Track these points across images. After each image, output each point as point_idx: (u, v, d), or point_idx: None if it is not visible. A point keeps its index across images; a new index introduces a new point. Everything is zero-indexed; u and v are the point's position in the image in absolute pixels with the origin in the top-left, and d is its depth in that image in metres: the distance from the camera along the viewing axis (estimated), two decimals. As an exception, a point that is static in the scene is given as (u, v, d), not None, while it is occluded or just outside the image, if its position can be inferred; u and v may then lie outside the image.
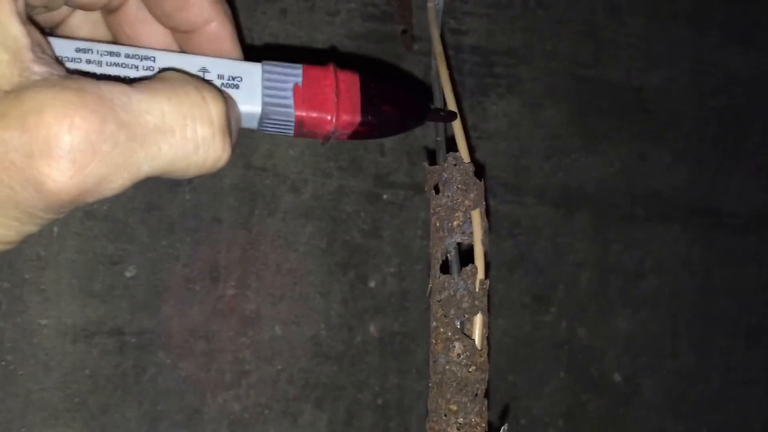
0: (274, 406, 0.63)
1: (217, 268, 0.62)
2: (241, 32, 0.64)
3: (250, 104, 0.32)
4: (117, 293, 0.60)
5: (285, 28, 0.65)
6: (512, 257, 0.71)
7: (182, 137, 0.26)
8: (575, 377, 0.72)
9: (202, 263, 0.62)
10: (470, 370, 0.41)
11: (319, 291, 0.65)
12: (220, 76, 0.32)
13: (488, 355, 0.41)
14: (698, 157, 0.77)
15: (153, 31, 0.35)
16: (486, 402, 0.41)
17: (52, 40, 0.29)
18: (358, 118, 0.33)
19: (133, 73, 0.30)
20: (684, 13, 0.78)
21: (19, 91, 0.24)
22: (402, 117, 0.36)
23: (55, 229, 0.59)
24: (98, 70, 0.30)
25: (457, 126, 0.44)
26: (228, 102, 0.29)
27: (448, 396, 0.41)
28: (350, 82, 0.33)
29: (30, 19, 0.27)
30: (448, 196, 0.43)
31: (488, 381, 0.41)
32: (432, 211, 0.44)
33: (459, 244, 0.44)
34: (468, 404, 0.41)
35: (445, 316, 0.43)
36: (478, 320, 0.43)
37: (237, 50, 0.35)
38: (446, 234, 0.44)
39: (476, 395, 0.41)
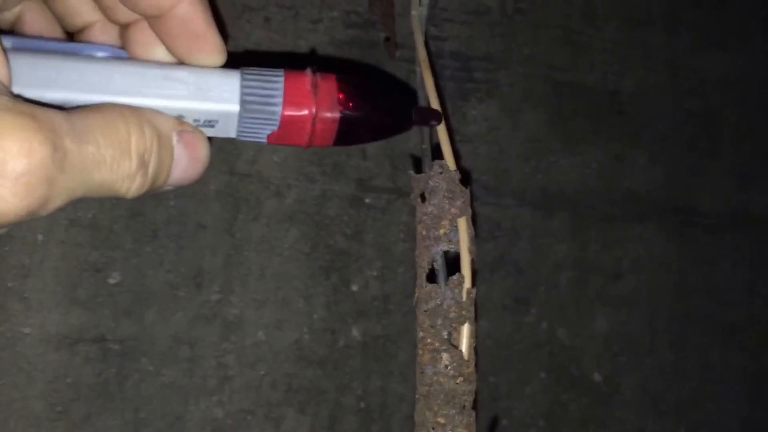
0: (257, 411, 0.61)
1: (201, 273, 0.60)
2: (226, 40, 0.62)
3: (228, 107, 0.31)
4: (100, 300, 0.58)
5: (269, 36, 0.63)
6: (493, 259, 0.69)
7: (110, 168, 0.27)
8: (556, 377, 0.71)
9: (186, 269, 0.60)
10: (458, 381, 0.39)
11: (302, 295, 0.63)
12: (192, 86, 0.31)
13: (476, 365, 0.40)
14: (673, 157, 0.76)
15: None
16: (474, 414, 0.39)
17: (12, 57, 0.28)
18: (337, 115, 0.32)
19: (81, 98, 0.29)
20: (657, 17, 0.76)
21: None
22: (385, 116, 0.34)
23: (39, 237, 0.57)
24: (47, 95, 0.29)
25: (442, 133, 0.42)
26: (158, 138, 0.29)
27: (436, 408, 0.39)
28: (328, 81, 0.32)
29: None
30: (434, 205, 0.41)
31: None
32: (418, 219, 0.42)
33: (445, 252, 0.42)
34: (456, 417, 0.39)
35: (431, 326, 0.41)
36: (466, 330, 0.41)
37: (211, 31, 0.33)
38: (432, 242, 0.42)
39: (464, 407, 0.39)
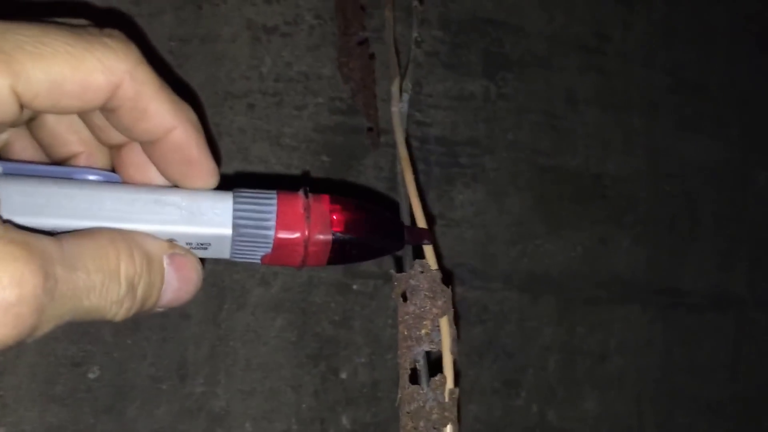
0: None
1: (184, 365, 0.57)
2: (209, 128, 0.60)
3: (220, 230, 0.30)
4: (80, 396, 0.54)
5: (253, 123, 0.61)
6: (481, 343, 0.66)
7: (100, 295, 0.27)
8: (549, 468, 0.67)
9: (169, 361, 0.56)
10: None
11: (290, 384, 0.60)
12: (185, 210, 0.30)
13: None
14: (655, 240, 0.75)
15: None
16: None
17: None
18: (329, 237, 0.31)
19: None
20: (636, 103, 0.76)
21: None
22: (377, 238, 0.34)
23: (16, 330, 0.53)
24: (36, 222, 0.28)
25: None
26: (148, 262, 0.29)
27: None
28: (320, 203, 0.32)
29: None
30: (416, 304, 0.40)
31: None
32: (399, 319, 0.40)
33: (428, 352, 0.40)
34: None
35: (415, 428, 0.38)
36: (449, 431, 0.38)
37: (205, 157, 0.32)
38: (414, 343, 0.40)
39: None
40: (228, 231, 0.30)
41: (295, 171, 0.62)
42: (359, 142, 0.64)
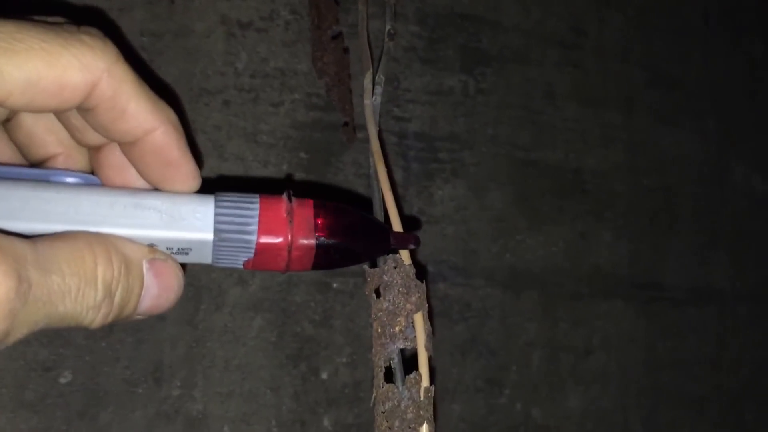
0: None
1: (160, 368, 0.54)
2: (189, 129, 0.58)
3: (202, 235, 0.29)
4: (51, 402, 0.51)
5: (228, 120, 0.59)
6: (464, 341, 0.64)
7: (75, 299, 0.25)
8: (535, 465, 0.65)
9: (144, 364, 0.54)
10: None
11: (270, 386, 0.57)
12: (165, 214, 0.29)
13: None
14: (636, 234, 0.73)
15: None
16: None
17: None
18: (313, 242, 0.30)
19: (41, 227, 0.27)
20: (613, 98, 0.74)
21: None
22: (362, 242, 0.32)
23: (-16, 334, 0.50)
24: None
25: (397, 228, 0.38)
26: (126, 267, 0.27)
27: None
28: (304, 208, 0.31)
29: None
30: (389, 301, 0.38)
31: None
32: (372, 316, 0.38)
33: (403, 350, 0.38)
34: None
35: (389, 428, 0.36)
36: (425, 430, 0.36)
37: (185, 159, 0.30)
38: (388, 340, 0.38)
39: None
40: (209, 236, 0.29)
41: (273, 168, 0.60)
42: (337, 139, 0.62)
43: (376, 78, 0.51)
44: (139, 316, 0.30)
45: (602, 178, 0.72)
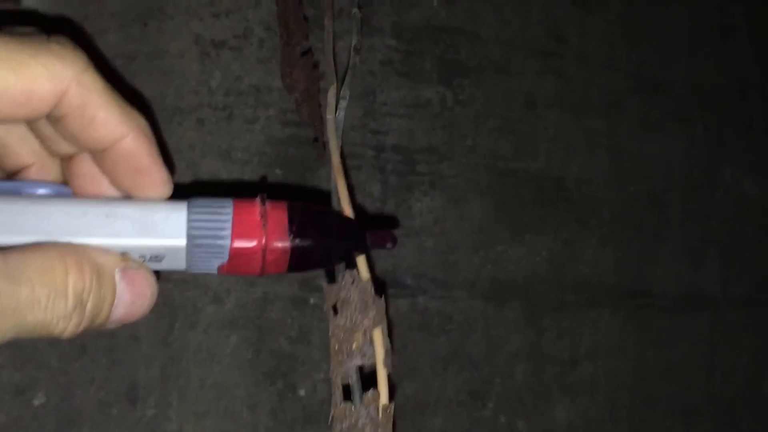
0: None
1: (135, 388, 0.53)
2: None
3: (174, 242, 0.29)
4: (25, 424, 0.51)
5: (203, 138, 0.58)
6: (446, 354, 0.63)
7: (45, 310, 0.25)
8: (514, 481, 0.63)
9: (118, 384, 0.53)
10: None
11: (246, 404, 0.56)
12: (137, 222, 0.28)
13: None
14: (622, 241, 0.71)
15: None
16: None
17: None
18: (287, 245, 0.30)
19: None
20: (596, 103, 0.73)
21: None
22: (337, 243, 0.32)
23: (-39, 356, 0.50)
24: None
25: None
26: (98, 276, 0.27)
27: None
28: (278, 210, 0.30)
29: None
30: (347, 317, 0.36)
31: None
32: (330, 333, 0.37)
33: (361, 367, 0.37)
34: None
35: None
36: None
37: (156, 165, 0.30)
38: (346, 357, 0.36)
39: None
40: (182, 242, 0.29)
41: (248, 185, 0.59)
42: (312, 154, 0.61)
43: (341, 92, 0.50)
44: (111, 326, 0.29)
45: (586, 185, 0.71)
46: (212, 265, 0.30)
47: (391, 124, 0.64)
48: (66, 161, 0.32)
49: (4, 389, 0.50)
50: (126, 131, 0.29)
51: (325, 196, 0.61)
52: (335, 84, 0.51)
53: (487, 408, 0.64)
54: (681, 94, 0.76)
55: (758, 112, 0.80)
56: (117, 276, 0.28)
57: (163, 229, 0.29)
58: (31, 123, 0.30)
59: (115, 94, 0.29)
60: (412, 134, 0.65)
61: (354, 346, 0.37)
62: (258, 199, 0.30)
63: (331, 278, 0.39)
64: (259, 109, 0.60)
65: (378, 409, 0.36)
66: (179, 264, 0.30)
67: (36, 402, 0.51)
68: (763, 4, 0.82)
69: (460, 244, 0.65)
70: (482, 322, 0.65)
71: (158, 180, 0.30)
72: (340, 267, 0.39)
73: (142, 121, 0.30)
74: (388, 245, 0.34)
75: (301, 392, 0.58)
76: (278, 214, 0.30)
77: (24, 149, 0.31)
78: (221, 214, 0.29)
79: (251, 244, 0.29)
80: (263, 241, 0.29)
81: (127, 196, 0.31)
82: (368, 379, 0.39)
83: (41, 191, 0.30)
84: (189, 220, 0.29)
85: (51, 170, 0.32)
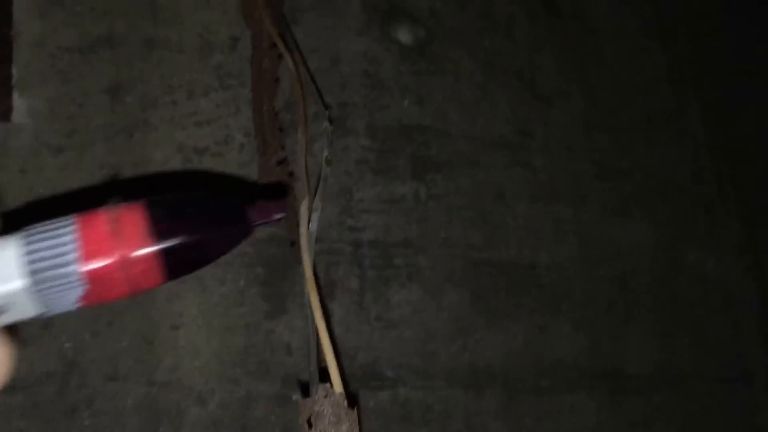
0: None
1: (120, 494, 0.53)
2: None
3: (11, 285, 0.23)
4: None
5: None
6: (428, 443, 0.63)
7: None
8: None
9: (103, 491, 0.53)
10: None
11: (231, 505, 0.56)
12: None
13: None
14: (594, 323, 0.73)
15: None
16: None
17: None
18: (152, 249, 0.24)
19: None
20: (563, 192, 0.75)
21: None
22: (214, 230, 0.27)
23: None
24: None
25: (328, 355, 0.38)
26: None
27: None
28: (133, 212, 0.25)
29: None
30: (320, 431, 0.37)
31: None
32: None
33: None
34: None
35: None
36: None
37: None
38: None
39: None
40: (21, 282, 0.23)
41: (230, 285, 0.60)
42: (293, 251, 0.63)
43: (313, 204, 0.52)
44: None
45: (557, 271, 0.72)
46: (70, 299, 0.24)
47: (367, 220, 0.66)
48: None
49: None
50: None
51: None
52: (307, 198, 0.53)
53: (471, 497, 0.64)
54: (642, 180, 0.79)
55: (715, 194, 0.83)
56: None
57: None
58: None
59: None
60: (388, 229, 0.67)
61: (330, 458, 0.37)
62: (105, 207, 0.25)
63: (305, 392, 0.40)
64: (240, 212, 0.62)
65: None
66: (29, 310, 0.24)
67: None
68: (712, 88, 0.86)
69: (438, 334, 0.66)
70: (462, 410, 0.65)
71: None
72: (314, 380, 0.40)
73: None
74: (277, 216, 0.29)
75: (286, 490, 0.58)
76: (134, 217, 0.25)
77: None
78: (62, 235, 0.24)
79: (106, 261, 0.24)
80: (120, 254, 0.24)
81: None
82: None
83: None
84: (26, 253, 0.23)
85: None
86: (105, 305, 0.25)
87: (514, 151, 0.74)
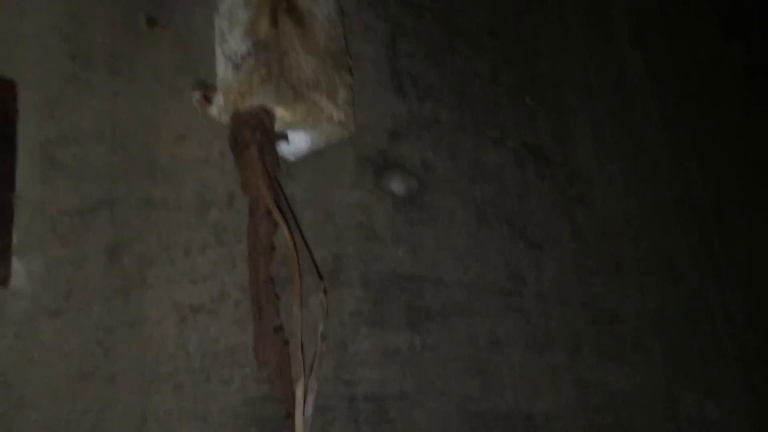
0: None
1: None
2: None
3: None
4: None
5: (180, 404, 0.58)
6: None
7: None
8: None
9: None
10: None
11: None
12: None
13: None
14: (595, 475, 0.70)
15: None
16: None
17: None
18: None
19: None
20: (558, 339, 0.75)
21: None
22: None
23: None
24: None
25: None
26: None
27: None
28: None
29: None
30: None
31: None
32: None
33: None
34: None
35: None
36: None
37: None
38: None
39: None
40: None
41: (223, 449, 0.58)
42: (287, 410, 0.61)
43: (309, 384, 0.51)
44: None
45: (554, 420, 0.71)
46: None
47: (362, 374, 0.65)
48: None
49: None
50: None
51: None
52: (303, 378, 0.52)
53: None
54: (636, 324, 0.79)
55: (710, 337, 0.83)
56: None
57: None
58: None
59: None
60: (383, 382, 0.65)
61: None
62: None
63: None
64: (234, 369, 0.61)
65: None
66: None
67: None
68: (701, 223, 0.87)
69: (435, 493, 0.64)
70: None
71: None
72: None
73: None
74: None
75: None
76: None
77: None
78: None
79: None
80: None
81: None
82: None
83: None
84: None
85: None
86: None
87: (507, 297, 0.74)
